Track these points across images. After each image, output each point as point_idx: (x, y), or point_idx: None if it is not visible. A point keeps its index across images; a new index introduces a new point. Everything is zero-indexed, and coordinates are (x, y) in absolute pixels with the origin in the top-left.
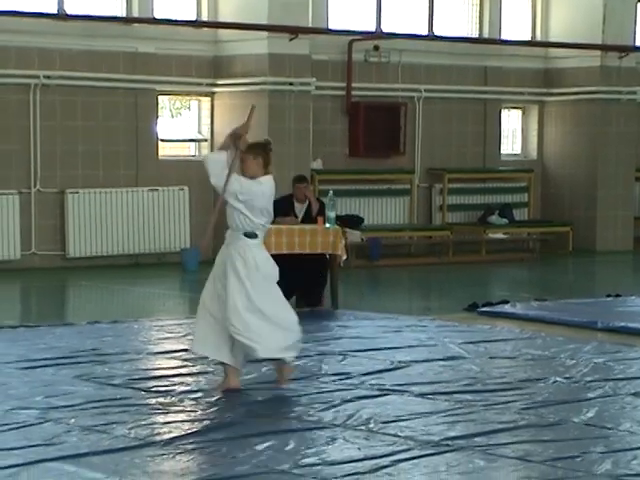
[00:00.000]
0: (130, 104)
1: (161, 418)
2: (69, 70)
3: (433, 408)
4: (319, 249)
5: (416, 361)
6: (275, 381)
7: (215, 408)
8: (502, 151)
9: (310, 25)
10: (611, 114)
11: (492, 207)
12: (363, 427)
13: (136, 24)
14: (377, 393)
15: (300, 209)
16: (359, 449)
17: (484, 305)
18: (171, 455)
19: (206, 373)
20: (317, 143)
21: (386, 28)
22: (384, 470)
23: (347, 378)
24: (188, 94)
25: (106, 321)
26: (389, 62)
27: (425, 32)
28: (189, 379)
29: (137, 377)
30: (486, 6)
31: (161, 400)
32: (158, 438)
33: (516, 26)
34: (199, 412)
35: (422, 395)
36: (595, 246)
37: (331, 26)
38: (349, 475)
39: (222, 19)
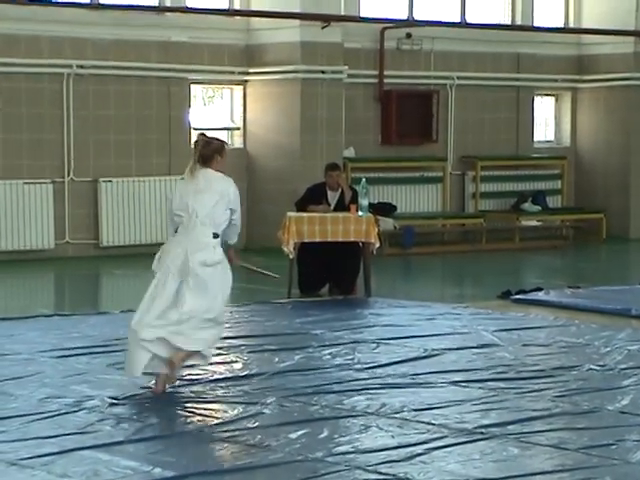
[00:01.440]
0: (163, 93)
1: (194, 407)
2: (102, 59)
3: (466, 396)
4: (352, 237)
5: (449, 349)
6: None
7: (248, 396)
8: (535, 138)
9: (342, 13)
10: None
11: (525, 194)
12: (397, 415)
13: (168, 13)
14: (410, 381)
15: (333, 197)
16: (393, 437)
17: (517, 292)
18: (205, 443)
19: (239, 362)
20: (349, 131)
21: (418, 15)
22: (418, 458)
23: (380, 366)
24: (220, 83)
25: None
26: (421, 49)
27: (457, 19)
28: (222, 367)
29: None
30: None
31: (194, 389)
32: (191, 427)
33: (549, 12)
34: (232, 400)
35: (455, 383)
36: (628, 233)
37: (363, 14)
38: (383, 463)
39: (254, 7)
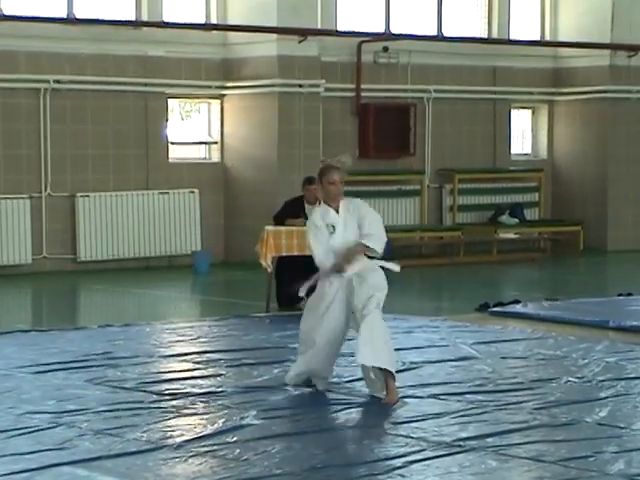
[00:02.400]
0: (140, 107)
1: (173, 421)
2: (79, 74)
3: (445, 409)
4: None
5: (428, 362)
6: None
7: (227, 411)
8: (512, 151)
9: (319, 27)
10: (621, 113)
11: (502, 207)
12: (375, 428)
13: (145, 28)
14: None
15: (311, 211)
16: (372, 450)
17: (495, 305)
18: (183, 458)
19: (218, 376)
20: (327, 145)
21: (395, 29)
22: (397, 471)
23: (358, 380)
24: (198, 97)
25: (117, 324)
26: (398, 63)
27: (434, 33)
28: (201, 382)
29: (149, 380)
30: (495, 6)
31: (173, 403)
32: (170, 441)
33: (525, 26)
34: (211, 415)
35: (434, 396)
36: (606, 245)
37: (340, 28)
38: (362, 477)
39: (231, 22)
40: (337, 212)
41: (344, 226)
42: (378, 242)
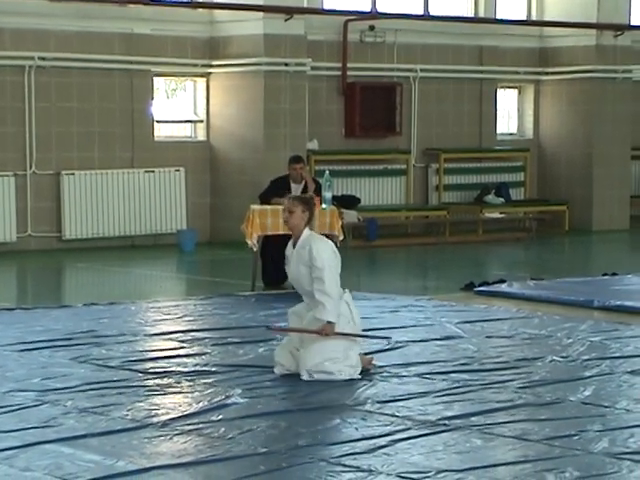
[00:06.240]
0: (125, 85)
1: (158, 399)
2: (64, 51)
3: (430, 388)
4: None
5: (413, 341)
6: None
7: (212, 389)
8: (498, 130)
9: (305, 5)
10: (607, 93)
11: (488, 186)
12: (360, 407)
13: (131, 5)
14: (374, 373)
15: (296, 189)
16: (356, 429)
17: (481, 285)
18: (168, 436)
19: (203, 354)
20: (313, 123)
21: (381, 8)
22: (381, 450)
23: None
24: (184, 75)
25: (103, 303)
26: (384, 42)
27: (420, 12)
28: (186, 360)
29: (134, 359)
30: None
31: (158, 382)
32: (155, 419)
33: (511, 5)
34: (196, 393)
35: (419, 375)
36: (591, 225)
37: (326, 6)
38: (346, 455)
39: (217, 0)
40: (294, 246)
41: (295, 263)
42: (324, 312)
